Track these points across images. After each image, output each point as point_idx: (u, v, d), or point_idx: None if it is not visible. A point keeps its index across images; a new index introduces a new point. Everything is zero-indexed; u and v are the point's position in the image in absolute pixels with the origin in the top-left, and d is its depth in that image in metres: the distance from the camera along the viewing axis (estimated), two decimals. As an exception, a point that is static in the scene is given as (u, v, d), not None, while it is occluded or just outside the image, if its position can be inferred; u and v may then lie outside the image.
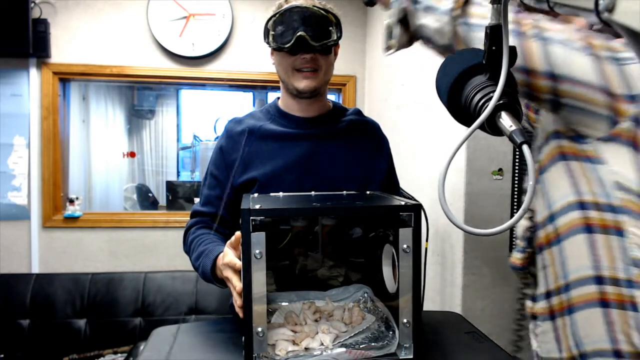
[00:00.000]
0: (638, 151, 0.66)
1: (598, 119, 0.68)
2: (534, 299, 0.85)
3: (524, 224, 0.87)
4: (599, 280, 0.70)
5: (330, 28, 1.07)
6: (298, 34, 1.03)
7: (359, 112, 1.25)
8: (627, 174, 0.67)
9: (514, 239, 1.50)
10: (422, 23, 0.77)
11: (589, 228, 0.71)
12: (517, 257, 0.88)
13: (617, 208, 0.68)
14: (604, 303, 0.70)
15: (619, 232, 0.68)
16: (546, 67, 0.68)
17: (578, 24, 0.76)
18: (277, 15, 1.06)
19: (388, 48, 0.84)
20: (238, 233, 0.85)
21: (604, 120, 0.67)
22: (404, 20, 0.80)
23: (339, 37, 1.09)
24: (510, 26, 0.68)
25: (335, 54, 1.15)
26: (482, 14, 0.73)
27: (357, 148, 1.18)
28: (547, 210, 0.78)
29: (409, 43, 0.82)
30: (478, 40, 0.72)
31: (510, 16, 0.68)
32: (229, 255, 0.89)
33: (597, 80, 0.66)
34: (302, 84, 1.09)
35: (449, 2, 0.74)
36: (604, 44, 0.68)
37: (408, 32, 0.81)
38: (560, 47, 0.68)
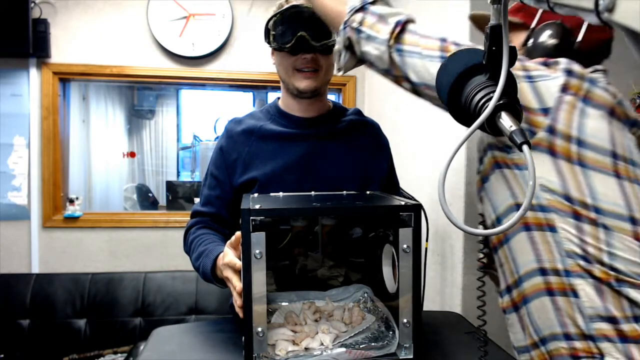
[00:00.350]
0: (556, 157, 0.76)
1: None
2: (502, 294, 0.94)
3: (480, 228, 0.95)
4: (543, 271, 0.80)
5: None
6: (299, 34, 1.03)
7: (359, 112, 1.25)
8: (550, 177, 0.76)
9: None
10: (365, 50, 0.84)
11: (527, 227, 0.81)
12: (479, 258, 0.98)
13: (546, 208, 0.78)
14: (550, 292, 0.80)
15: (552, 228, 0.78)
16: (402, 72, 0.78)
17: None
18: (277, 15, 1.06)
19: (339, 70, 0.93)
20: (238, 233, 0.85)
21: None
22: (350, 47, 0.86)
23: None
24: (435, 52, 0.78)
25: None
26: (414, 42, 0.80)
27: (357, 148, 1.18)
28: (493, 213, 0.88)
29: (355, 66, 0.90)
30: (411, 65, 0.80)
31: (436, 43, 0.79)
32: (229, 255, 0.89)
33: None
34: (303, 84, 1.09)
35: (386, 32, 0.81)
36: (520, 64, 0.78)
37: (354, 57, 0.88)
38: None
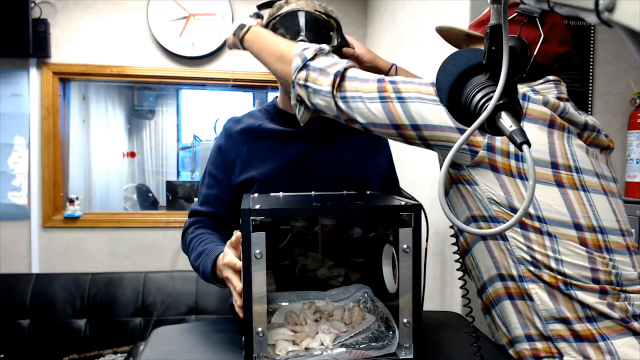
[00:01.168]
0: (498, 172, 0.82)
1: (462, 152, 0.84)
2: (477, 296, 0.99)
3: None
4: (502, 277, 0.86)
5: (332, 33, 1.07)
6: (299, 39, 1.02)
7: (359, 112, 1.25)
8: (495, 190, 0.83)
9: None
10: (314, 102, 0.91)
11: (483, 236, 0.88)
12: (460, 266, 1.03)
13: (495, 218, 0.84)
14: (510, 296, 0.85)
15: (503, 237, 0.84)
16: (409, 120, 0.83)
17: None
18: (277, 18, 1.06)
19: (300, 121, 0.98)
20: (238, 233, 0.85)
21: (467, 152, 0.84)
22: (303, 101, 0.93)
23: (340, 43, 1.08)
24: (375, 94, 0.84)
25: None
26: (354, 88, 0.86)
27: (356, 148, 1.18)
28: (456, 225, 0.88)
29: (312, 116, 0.96)
30: (355, 108, 0.86)
31: (373, 85, 0.85)
32: (229, 256, 0.89)
33: (453, 122, 0.80)
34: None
35: (328, 84, 0.87)
36: (391, 87, 0.84)
37: (308, 109, 0.94)
38: (416, 103, 0.83)
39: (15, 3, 2.33)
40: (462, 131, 0.80)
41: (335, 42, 1.07)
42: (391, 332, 0.82)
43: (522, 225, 0.81)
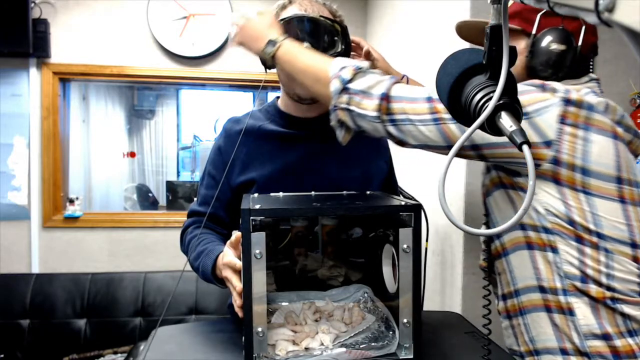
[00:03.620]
0: (561, 185, 0.79)
1: (524, 165, 0.81)
2: (497, 298, 0.98)
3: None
4: (541, 289, 0.84)
5: (336, 38, 1.06)
6: (304, 45, 1.01)
7: (359, 112, 1.24)
8: (554, 203, 0.80)
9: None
10: (360, 125, 0.87)
11: (530, 245, 0.85)
12: (481, 260, 1.02)
13: (550, 230, 0.82)
14: (548, 309, 0.84)
15: (554, 249, 0.82)
16: (468, 141, 0.80)
17: None
18: (282, 22, 1.05)
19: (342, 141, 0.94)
20: (238, 233, 0.85)
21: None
22: (343, 123, 0.90)
23: (344, 48, 1.07)
24: (426, 116, 0.80)
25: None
26: (401, 109, 0.82)
27: (356, 148, 1.17)
28: (494, 226, 0.91)
29: (353, 136, 0.94)
30: (406, 131, 0.82)
31: (424, 106, 0.80)
32: (228, 255, 0.89)
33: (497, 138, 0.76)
34: (304, 91, 1.08)
35: (373, 108, 0.82)
36: None
37: (350, 130, 0.91)
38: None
39: (15, 3, 2.33)
40: None
41: (339, 48, 1.06)
42: (391, 332, 0.82)
43: (578, 239, 0.80)
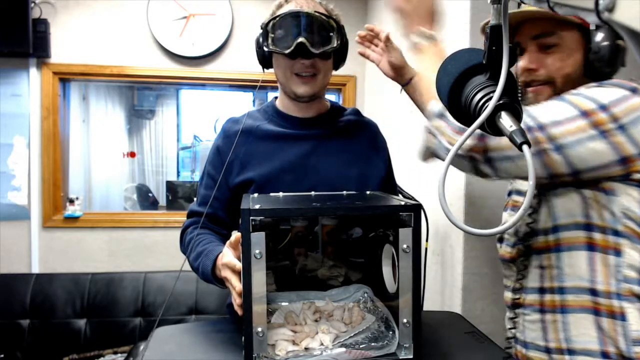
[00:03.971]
0: None
1: (615, 177, 0.78)
2: (515, 289, 0.96)
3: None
4: (593, 292, 0.83)
5: (331, 34, 1.06)
6: (298, 40, 1.01)
7: (357, 112, 1.24)
8: (635, 208, 0.78)
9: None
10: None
11: (591, 247, 0.82)
12: (506, 251, 0.99)
13: (620, 232, 0.79)
14: (596, 311, 0.82)
15: (617, 252, 0.80)
16: (568, 169, 0.76)
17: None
18: (277, 19, 1.05)
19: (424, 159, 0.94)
20: (238, 234, 0.85)
21: (620, 176, 0.78)
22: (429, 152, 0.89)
23: (340, 43, 1.07)
24: (589, 131, 0.74)
25: (344, 58, 1.14)
26: (498, 145, 0.77)
27: (355, 148, 1.17)
28: (551, 221, 0.88)
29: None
30: (576, 156, 0.75)
31: (582, 122, 0.74)
32: (227, 256, 0.89)
33: (613, 156, 0.74)
34: (301, 89, 1.08)
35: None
36: (607, 116, 0.75)
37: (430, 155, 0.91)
38: (575, 147, 0.74)
39: (15, 3, 2.33)
40: (622, 161, 0.75)
41: (335, 44, 1.06)
42: (391, 332, 0.82)
43: None
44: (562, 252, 0.86)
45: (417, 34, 0.91)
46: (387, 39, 1.14)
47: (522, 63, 0.92)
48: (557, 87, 0.90)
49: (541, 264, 0.91)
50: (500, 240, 1.04)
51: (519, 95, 0.94)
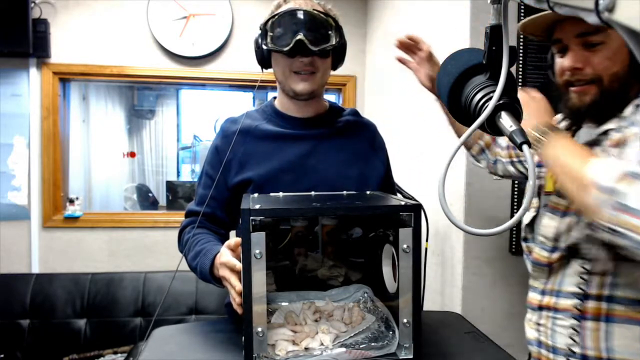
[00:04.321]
0: None
1: None
2: (545, 292, 0.93)
3: (553, 225, 0.92)
4: None
5: (330, 32, 1.06)
6: (297, 37, 1.01)
7: (355, 113, 1.24)
8: None
9: (513, 239, 1.50)
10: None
11: None
12: (542, 255, 0.95)
13: None
14: None
15: None
16: None
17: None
18: (276, 17, 1.05)
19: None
20: (238, 238, 0.85)
21: None
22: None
23: (339, 41, 1.07)
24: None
25: (343, 58, 1.14)
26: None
27: (353, 148, 1.17)
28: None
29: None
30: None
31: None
32: (225, 255, 0.89)
33: None
34: (300, 86, 1.08)
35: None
36: None
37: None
38: None
39: (15, 3, 2.33)
40: None
41: (333, 42, 1.06)
42: (391, 332, 0.82)
43: None
44: (626, 262, 0.82)
45: (535, 129, 0.86)
46: (430, 55, 1.15)
47: (566, 62, 0.88)
48: (603, 87, 0.86)
49: (594, 269, 0.86)
50: (525, 239, 1.01)
51: (562, 95, 0.91)
